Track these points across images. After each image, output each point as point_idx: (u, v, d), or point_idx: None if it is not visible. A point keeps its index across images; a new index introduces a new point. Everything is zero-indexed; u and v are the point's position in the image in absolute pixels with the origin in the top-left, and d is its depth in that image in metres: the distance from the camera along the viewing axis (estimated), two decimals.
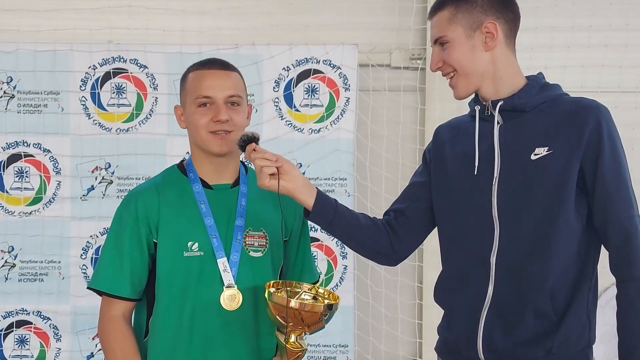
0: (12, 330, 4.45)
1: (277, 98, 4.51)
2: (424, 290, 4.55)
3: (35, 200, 4.44)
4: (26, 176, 4.45)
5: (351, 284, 4.52)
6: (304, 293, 2.39)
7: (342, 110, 4.50)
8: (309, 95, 4.52)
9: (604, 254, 2.28)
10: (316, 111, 4.52)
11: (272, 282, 2.37)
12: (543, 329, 2.24)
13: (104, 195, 4.43)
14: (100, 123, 4.45)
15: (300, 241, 2.59)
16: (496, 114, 2.30)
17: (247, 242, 2.42)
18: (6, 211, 4.43)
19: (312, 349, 4.50)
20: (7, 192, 4.43)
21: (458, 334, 2.36)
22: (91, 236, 4.42)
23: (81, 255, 4.42)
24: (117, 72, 4.46)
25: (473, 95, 2.39)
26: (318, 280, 2.62)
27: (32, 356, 4.47)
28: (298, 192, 2.35)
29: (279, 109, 4.51)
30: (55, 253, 4.43)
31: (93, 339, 4.35)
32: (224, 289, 2.36)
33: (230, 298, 2.36)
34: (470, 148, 2.33)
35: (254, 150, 2.29)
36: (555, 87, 2.34)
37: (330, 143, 4.51)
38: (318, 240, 4.51)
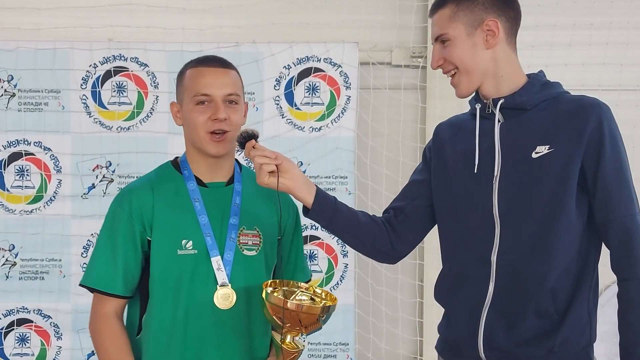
0: (13, 329, 4.44)
1: (277, 96, 4.50)
2: (425, 289, 4.55)
3: (36, 199, 4.44)
4: (27, 174, 4.44)
5: (352, 282, 4.52)
6: (301, 293, 2.38)
7: (343, 108, 4.50)
8: (309, 94, 4.51)
9: (604, 252, 2.28)
10: (317, 109, 4.52)
11: (269, 281, 2.36)
12: (544, 327, 2.24)
13: (104, 193, 4.43)
14: (101, 121, 4.45)
15: (294, 240, 2.58)
16: (497, 112, 2.30)
17: (241, 241, 2.41)
18: (7, 209, 4.42)
19: (312, 347, 4.50)
20: (7, 190, 4.43)
21: (459, 333, 2.36)
22: (92, 234, 4.41)
23: (82, 253, 4.42)
24: (118, 70, 4.46)
25: (473, 94, 2.39)
26: (310, 279, 2.61)
27: (32, 354, 4.46)
28: (297, 190, 2.35)
29: (280, 107, 4.50)
30: (56, 251, 4.43)
31: None
32: (218, 287, 2.35)
33: (224, 297, 2.35)
34: (471, 146, 2.33)
35: (253, 147, 2.29)
36: (556, 85, 2.34)
37: (331, 141, 4.50)
38: (319, 238, 4.51)
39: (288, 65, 4.51)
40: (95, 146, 4.44)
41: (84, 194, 4.43)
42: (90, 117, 4.44)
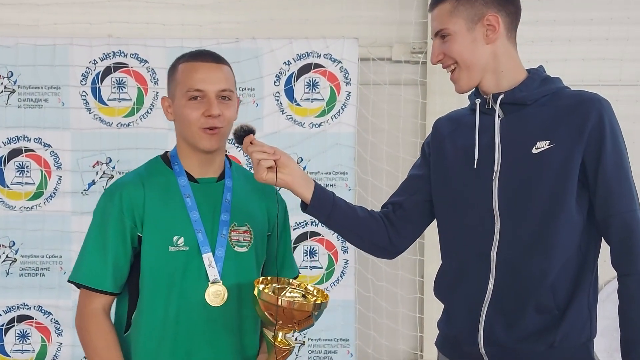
0: (14, 325, 4.45)
1: (277, 92, 4.50)
2: (425, 284, 4.56)
3: (36, 195, 4.44)
4: (27, 171, 4.44)
5: (352, 278, 4.53)
6: (293, 290, 2.36)
7: (343, 104, 4.50)
8: (309, 90, 4.51)
9: (604, 248, 2.28)
10: (317, 105, 4.52)
11: (260, 278, 2.35)
12: (545, 323, 2.23)
13: (105, 190, 4.42)
14: (100, 118, 4.45)
15: (282, 236, 2.55)
16: (497, 107, 2.30)
17: (232, 237, 2.38)
18: (7, 206, 4.43)
19: (313, 343, 4.51)
20: (7, 187, 4.43)
21: (459, 329, 2.36)
22: None
23: None
24: (118, 66, 4.46)
25: (473, 89, 2.38)
26: (297, 276, 2.58)
27: (33, 351, 4.47)
28: (296, 185, 2.34)
29: (280, 103, 4.50)
30: (56, 248, 4.43)
31: None
32: (209, 284, 2.32)
33: (215, 294, 2.32)
34: (471, 142, 2.32)
35: (251, 143, 2.28)
36: (556, 81, 2.33)
37: (331, 137, 4.50)
38: (319, 234, 4.52)
39: (288, 61, 4.51)
40: (95, 142, 4.44)
41: (84, 190, 4.44)
42: (90, 113, 4.44)
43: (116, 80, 4.46)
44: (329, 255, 4.54)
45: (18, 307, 4.45)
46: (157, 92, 4.43)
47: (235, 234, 2.39)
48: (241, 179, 2.47)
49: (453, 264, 2.39)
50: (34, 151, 4.44)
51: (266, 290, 2.28)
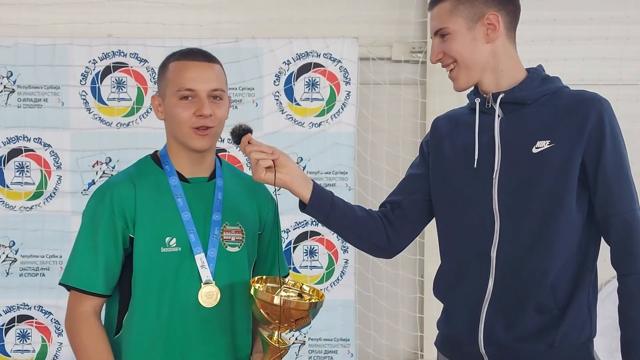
0: (14, 325, 4.45)
1: (277, 92, 4.50)
2: (425, 284, 4.55)
3: (36, 195, 4.44)
4: (27, 171, 4.44)
5: (352, 277, 4.52)
6: (288, 290, 2.35)
7: (343, 103, 4.50)
8: (309, 89, 4.51)
9: (603, 248, 2.28)
10: (317, 105, 4.51)
11: (256, 277, 2.34)
12: (545, 323, 2.23)
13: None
14: (100, 117, 4.45)
15: (273, 234, 2.53)
16: (497, 106, 2.29)
17: (224, 237, 2.36)
18: (7, 206, 4.42)
19: (313, 343, 4.51)
20: (7, 186, 4.43)
21: (459, 329, 2.35)
22: None
23: None
24: (117, 66, 4.46)
25: (472, 88, 2.38)
26: (288, 274, 2.57)
27: (33, 351, 4.47)
28: (295, 185, 2.33)
29: (280, 102, 4.50)
30: (56, 248, 4.43)
31: None
32: (202, 285, 2.30)
33: (208, 295, 2.30)
34: (470, 141, 2.32)
35: (248, 142, 2.27)
36: (556, 80, 2.33)
37: (331, 137, 4.50)
38: (319, 234, 4.51)
39: (288, 60, 4.51)
40: (95, 142, 4.44)
41: (84, 190, 4.43)
42: (89, 113, 4.44)
43: (116, 80, 4.46)
44: (329, 254, 4.54)
45: (18, 307, 4.45)
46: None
47: (227, 234, 2.37)
48: (232, 177, 2.46)
49: (453, 263, 2.38)
50: (34, 151, 4.44)
51: (261, 288, 2.27)
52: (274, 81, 4.50)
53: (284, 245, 4.42)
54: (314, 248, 4.53)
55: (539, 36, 4.41)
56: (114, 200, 2.31)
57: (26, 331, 4.46)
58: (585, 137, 2.19)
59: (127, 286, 2.32)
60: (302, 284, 2.40)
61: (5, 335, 4.45)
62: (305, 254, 4.53)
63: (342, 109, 4.50)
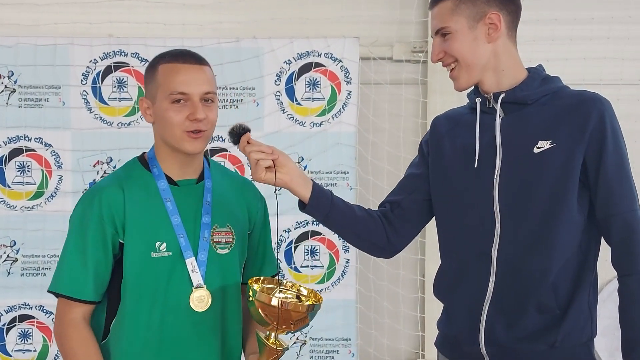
0: (15, 325, 4.45)
1: (278, 91, 4.50)
2: (426, 284, 4.55)
3: (37, 195, 4.44)
4: (28, 170, 4.44)
5: (353, 277, 4.52)
6: (286, 291, 2.34)
7: (344, 103, 4.49)
8: (310, 89, 4.51)
9: (604, 248, 2.28)
10: (318, 104, 4.51)
11: (254, 278, 2.33)
12: (546, 323, 2.23)
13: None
14: (101, 117, 4.45)
15: (262, 233, 2.52)
16: (498, 106, 2.29)
17: (214, 240, 2.34)
18: (8, 206, 4.42)
19: (314, 343, 4.51)
20: (8, 186, 4.43)
21: (459, 329, 2.35)
22: None
23: None
24: (118, 66, 4.45)
25: (472, 87, 2.38)
26: (278, 273, 2.54)
27: (34, 350, 4.47)
28: (295, 185, 2.33)
29: (281, 102, 4.50)
30: (57, 247, 4.31)
31: None
32: (193, 289, 2.28)
33: (199, 299, 2.28)
34: (471, 141, 2.32)
35: (248, 142, 2.26)
36: (556, 80, 2.33)
37: (332, 136, 4.50)
38: (320, 233, 4.51)
39: (288, 60, 4.50)
40: (96, 142, 4.44)
41: (85, 190, 4.43)
42: (90, 112, 4.44)
43: (117, 79, 4.46)
44: (330, 254, 4.53)
45: (19, 306, 4.45)
46: None
47: (217, 236, 2.35)
48: (220, 178, 2.43)
49: (453, 263, 2.38)
50: (35, 151, 4.44)
51: (257, 288, 2.26)
52: (275, 81, 4.50)
53: (284, 245, 4.44)
54: (315, 248, 4.53)
55: (540, 36, 4.41)
56: (102, 206, 2.27)
57: (27, 331, 4.46)
58: (586, 137, 2.19)
59: (116, 291, 2.29)
60: (300, 286, 2.38)
61: (6, 335, 4.45)
62: (306, 253, 4.53)
63: (343, 108, 4.50)
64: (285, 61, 4.50)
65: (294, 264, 4.51)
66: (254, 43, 4.48)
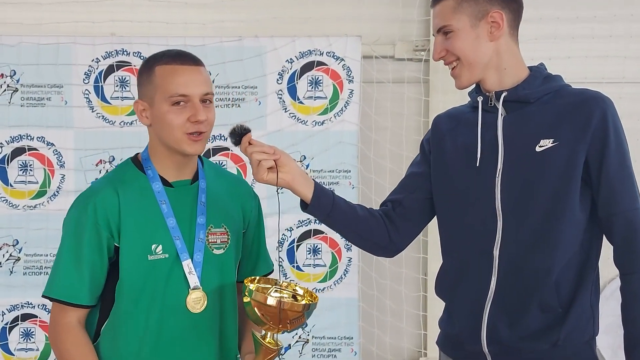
0: (18, 324, 4.45)
1: (280, 90, 4.50)
2: (429, 282, 4.55)
3: (40, 194, 4.45)
4: (30, 170, 4.45)
5: (356, 276, 4.52)
6: (282, 291, 2.33)
7: (346, 102, 4.49)
8: (312, 87, 4.51)
9: (606, 247, 2.28)
10: (320, 103, 4.51)
11: (249, 277, 2.32)
12: (548, 322, 2.23)
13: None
14: (103, 116, 4.45)
15: (256, 231, 2.52)
16: (500, 105, 2.29)
17: (209, 240, 2.33)
18: (10, 205, 4.43)
19: (317, 341, 4.50)
20: (11, 185, 4.44)
21: (461, 328, 2.35)
22: None
23: None
24: (121, 65, 4.46)
25: (473, 86, 2.37)
26: (272, 271, 2.54)
27: (37, 349, 4.47)
28: (296, 184, 2.32)
29: (283, 101, 4.50)
30: None
31: None
32: (189, 291, 2.27)
33: (196, 301, 2.27)
34: (472, 140, 2.31)
35: (249, 143, 2.25)
36: (558, 78, 2.33)
37: (334, 135, 4.50)
38: (322, 232, 4.51)
39: (291, 59, 4.51)
40: (99, 141, 4.44)
41: None
42: (93, 112, 4.45)
43: (119, 78, 4.46)
44: (332, 253, 4.53)
45: (22, 305, 4.45)
46: None
47: (213, 237, 2.34)
48: (214, 177, 2.42)
49: (454, 262, 2.38)
50: (37, 150, 4.44)
51: (253, 287, 2.25)
52: (277, 79, 4.50)
53: (286, 244, 4.44)
54: (317, 246, 4.53)
55: (542, 34, 4.40)
56: (97, 210, 2.24)
57: (30, 330, 4.46)
58: (588, 135, 2.19)
59: (110, 294, 2.28)
60: (296, 285, 2.37)
61: (9, 333, 4.45)
62: (308, 252, 4.53)
63: (345, 107, 4.50)
64: (288, 60, 4.50)
65: (296, 262, 4.51)
66: (256, 42, 4.48)
